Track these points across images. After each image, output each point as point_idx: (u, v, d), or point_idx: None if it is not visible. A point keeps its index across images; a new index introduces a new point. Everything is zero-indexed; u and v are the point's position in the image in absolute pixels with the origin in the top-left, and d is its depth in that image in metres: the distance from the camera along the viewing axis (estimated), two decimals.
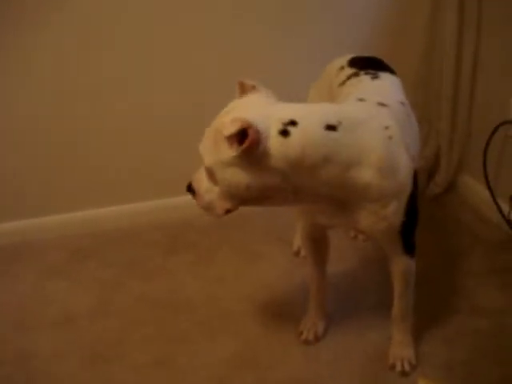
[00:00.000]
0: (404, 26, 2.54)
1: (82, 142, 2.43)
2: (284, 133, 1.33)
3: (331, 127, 1.37)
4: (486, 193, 2.37)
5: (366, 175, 1.42)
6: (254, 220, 2.44)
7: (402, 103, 1.64)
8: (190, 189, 1.50)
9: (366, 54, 1.89)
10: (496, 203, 2.32)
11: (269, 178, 1.36)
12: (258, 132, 1.30)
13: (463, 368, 1.71)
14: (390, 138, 1.45)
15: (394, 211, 1.49)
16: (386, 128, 1.46)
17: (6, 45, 2.21)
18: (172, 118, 2.44)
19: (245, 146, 1.29)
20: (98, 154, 2.46)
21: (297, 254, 2.27)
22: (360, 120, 1.44)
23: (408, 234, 1.58)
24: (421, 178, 2.60)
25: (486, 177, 2.35)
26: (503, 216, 2.29)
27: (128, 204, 2.57)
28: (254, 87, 1.45)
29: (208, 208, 1.47)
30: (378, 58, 1.88)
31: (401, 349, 1.75)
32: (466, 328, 1.86)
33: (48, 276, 2.26)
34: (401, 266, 1.65)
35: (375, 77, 1.73)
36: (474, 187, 2.56)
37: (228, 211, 1.46)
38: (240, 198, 1.41)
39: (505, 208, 2.29)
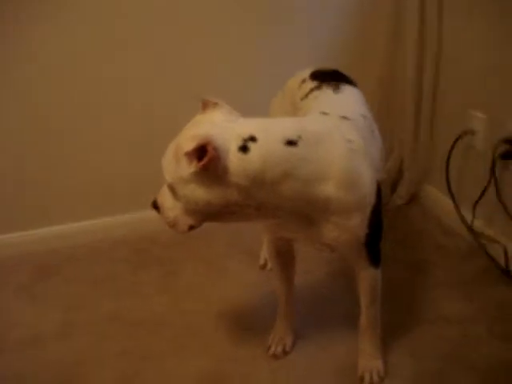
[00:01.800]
0: (365, 37, 2.57)
1: (42, 154, 2.38)
2: (243, 149, 1.34)
3: (291, 142, 1.37)
4: (450, 203, 2.40)
5: (327, 189, 1.41)
6: (220, 233, 2.42)
7: (365, 116, 1.65)
8: (156, 205, 1.49)
9: (327, 67, 1.90)
10: (459, 213, 2.35)
11: (229, 195, 1.36)
12: (216, 148, 1.30)
13: (432, 378, 1.72)
14: (353, 151, 1.45)
15: (357, 224, 1.48)
16: (349, 141, 1.45)
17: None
18: (139, 130, 2.43)
19: (203, 162, 1.29)
20: (61, 168, 2.42)
21: (263, 267, 2.26)
22: (322, 134, 1.44)
23: (373, 246, 1.58)
24: (384, 189, 2.62)
25: (449, 187, 2.37)
26: (466, 226, 2.32)
27: (92, 220, 2.53)
28: (216, 104, 1.44)
29: (173, 224, 1.47)
30: (340, 71, 1.89)
31: (369, 360, 1.75)
32: (433, 338, 1.87)
33: (11, 295, 2.20)
34: (367, 277, 1.65)
35: (337, 90, 1.73)
36: (437, 198, 2.59)
37: (191, 227, 1.45)
38: (202, 214, 1.41)
39: (468, 218, 2.32)
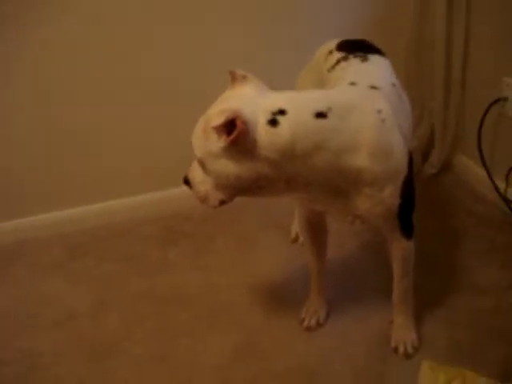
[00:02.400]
0: (393, 5, 2.52)
1: (71, 139, 2.39)
2: (273, 122, 1.33)
3: (321, 114, 1.36)
4: (482, 172, 2.36)
5: (359, 160, 1.40)
6: (250, 208, 2.42)
7: (394, 84, 1.63)
8: (187, 181, 1.50)
9: (354, 37, 1.87)
10: (492, 182, 2.31)
11: (259, 168, 1.35)
12: (245, 122, 1.29)
13: (467, 348, 1.71)
14: (383, 121, 1.43)
15: (390, 194, 1.47)
16: (379, 111, 1.44)
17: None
18: (163, 110, 2.42)
19: (232, 136, 1.29)
20: (90, 151, 2.44)
21: (295, 240, 2.26)
22: (351, 105, 1.43)
23: (406, 217, 1.57)
24: (415, 158, 2.59)
25: (482, 156, 2.34)
26: (500, 194, 2.29)
27: (122, 198, 2.54)
28: (244, 77, 1.43)
29: (204, 199, 1.47)
30: (367, 41, 1.86)
31: (403, 331, 1.75)
32: (468, 308, 1.86)
33: (46, 275, 2.24)
34: (400, 248, 1.64)
35: (365, 59, 1.70)
36: (469, 166, 2.55)
37: (222, 202, 1.45)
38: (233, 189, 1.41)
39: (501, 186, 2.28)
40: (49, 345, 1.90)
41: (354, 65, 1.69)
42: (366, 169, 1.41)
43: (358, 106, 1.43)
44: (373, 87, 1.52)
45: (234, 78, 1.45)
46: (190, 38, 2.34)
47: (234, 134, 1.29)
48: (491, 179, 2.32)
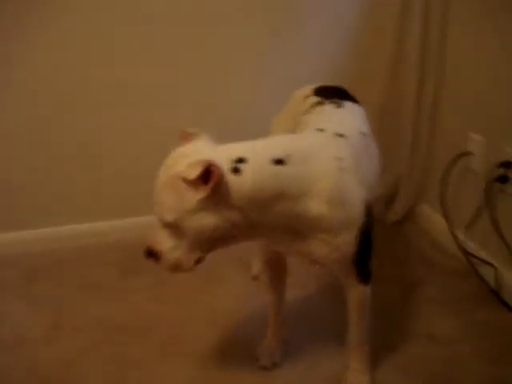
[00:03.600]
0: (369, 56, 2.58)
1: (40, 156, 2.39)
2: (236, 170, 1.36)
3: (279, 161, 1.39)
4: (444, 222, 2.41)
5: (315, 207, 1.42)
6: None
7: (363, 133, 1.66)
8: (151, 254, 1.45)
9: (330, 83, 1.91)
10: (452, 233, 2.36)
11: (233, 217, 1.37)
12: (220, 168, 1.32)
13: None
14: (342, 169, 1.46)
15: (345, 242, 1.49)
16: (339, 159, 1.47)
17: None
18: (137, 135, 2.44)
19: (212, 183, 1.30)
20: (56, 171, 2.43)
21: (256, 278, 2.26)
22: (311, 152, 1.45)
23: (362, 263, 1.58)
24: (378, 205, 2.64)
25: (444, 206, 2.39)
26: (459, 246, 2.33)
27: (85, 223, 2.53)
28: (195, 134, 1.45)
29: (176, 267, 1.45)
30: (344, 88, 1.90)
31: (357, 377, 1.75)
32: (422, 356, 1.87)
33: (1, 296, 2.19)
34: (356, 294, 1.65)
35: (339, 106, 1.74)
36: (431, 216, 2.60)
37: (198, 262, 1.46)
38: (208, 244, 1.42)
39: (461, 238, 2.33)
40: None
41: (328, 110, 1.73)
42: (321, 216, 1.43)
43: (318, 153, 1.46)
44: (339, 135, 1.54)
45: (184, 136, 1.46)
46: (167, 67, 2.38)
47: (213, 180, 1.30)
48: (452, 230, 2.37)
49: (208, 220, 1.36)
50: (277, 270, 1.82)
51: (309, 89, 1.87)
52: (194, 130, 1.46)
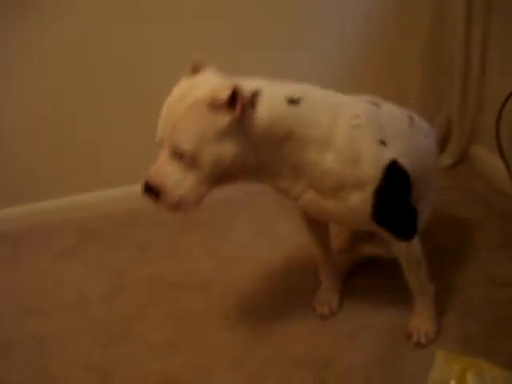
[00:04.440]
0: None
1: (82, 125, 2.40)
2: (252, 103, 1.33)
3: (292, 100, 1.38)
4: (500, 163, 2.32)
5: (329, 161, 1.41)
6: (263, 197, 2.42)
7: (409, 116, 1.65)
8: (151, 190, 1.37)
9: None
10: (510, 173, 2.28)
11: (246, 150, 1.34)
12: (243, 90, 1.29)
13: (481, 340, 1.69)
14: (357, 126, 1.44)
15: (358, 201, 1.46)
16: (356, 116, 1.44)
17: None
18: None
19: (240, 103, 1.28)
20: (102, 138, 2.44)
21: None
22: (329, 102, 1.45)
23: (394, 222, 1.54)
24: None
25: (500, 147, 2.30)
26: None
27: (135, 184, 2.53)
28: (206, 66, 1.41)
29: (178, 204, 1.37)
30: None
31: (420, 320, 1.73)
32: (482, 300, 1.84)
33: (57, 259, 2.25)
34: (397, 249, 1.62)
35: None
36: (487, 157, 2.52)
37: (200, 200, 1.39)
38: (218, 177, 1.37)
39: None
40: (60, 328, 1.90)
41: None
42: (332, 170, 1.41)
43: (337, 107, 1.44)
44: (373, 103, 1.55)
45: (195, 68, 1.40)
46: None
47: (241, 102, 1.27)
48: (509, 170, 2.29)
49: (228, 149, 1.31)
50: (315, 224, 1.77)
51: None
52: (205, 62, 1.41)
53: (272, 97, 1.36)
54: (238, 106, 1.27)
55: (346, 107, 1.46)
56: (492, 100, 2.39)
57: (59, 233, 2.40)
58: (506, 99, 2.24)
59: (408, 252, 1.62)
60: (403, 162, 1.50)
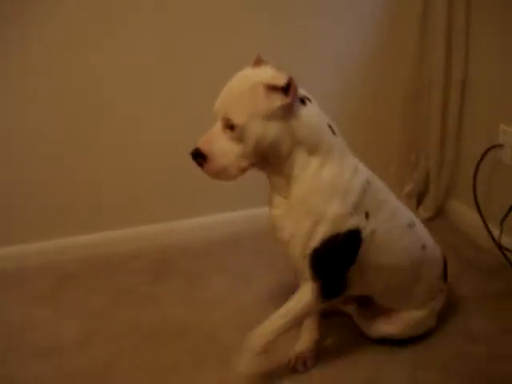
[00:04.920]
0: (394, 50, 2.56)
1: (67, 161, 2.39)
2: (302, 101, 1.51)
3: (332, 130, 1.57)
4: (477, 217, 2.36)
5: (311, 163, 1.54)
6: (244, 245, 2.44)
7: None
8: (199, 155, 1.50)
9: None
10: (487, 228, 2.31)
11: (286, 135, 1.50)
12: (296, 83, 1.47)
13: None
14: (349, 180, 1.58)
15: (308, 230, 1.55)
16: (356, 169, 1.60)
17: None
18: (166, 143, 2.44)
19: (293, 91, 1.45)
20: (85, 178, 2.42)
21: None
22: (347, 152, 1.63)
23: (321, 270, 1.59)
24: (410, 202, 2.61)
25: (476, 201, 2.34)
26: (494, 241, 2.28)
27: (114, 230, 2.53)
28: (267, 62, 1.56)
29: (220, 172, 1.51)
30: None
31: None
32: (460, 353, 1.84)
33: (32, 304, 2.20)
34: (301, 289, 1.64)
35: None
36: (464, 212, 2.56)
37: (242, 171, 1.53)
38: (259, 154, 1.50)
39: (496, 233, 2.28)
40: (33, 374, 1.85)
41: None
42: (309, 191, 1.56)
43: (349, 156, 1.61)
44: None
45: (258, 60, 1.56)
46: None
47: (293, 90, 1.45)
48: (486, 225, 2.32)
49: (273, 129, 1.47)
50: None
51: None
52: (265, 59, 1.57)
53: (319, 112, 1.55)
54: (291, 93, 1.44)
55: (361, 168, 1.62)
56: (469, 155, 2.44)
57: (34, 277, 2.36)
58: (483, 155, 2.29)
59: (301, 295, 1.63)
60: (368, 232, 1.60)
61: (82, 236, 2.50)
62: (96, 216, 2.49)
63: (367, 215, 1.60)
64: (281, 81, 1.44)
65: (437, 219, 2.66)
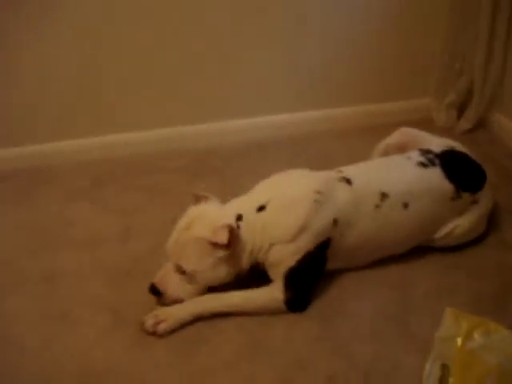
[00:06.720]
0: None
1: (100, 66, 2.39)
2: (238, 227, 1.66)
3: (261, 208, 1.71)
4: None
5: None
6: (274, 149, 2.46)
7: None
8: (155, 291, 1.68)
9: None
10: None
11: (236, 264, 1.68)
12: (236, 229, 1.64)
13: (490, 299, 1.71)
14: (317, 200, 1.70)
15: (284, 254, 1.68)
16: (318, 192, 1.70)
17: None
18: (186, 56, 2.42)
19: (234, 243, 1.62)
20: (120, 80, 2.42)
21: None
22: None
23: (295, 284, 1.69)
24: (450, 113, 2.56)
25: None
26: None
27: (152, 130, 2.55)
28: (206, 197, 1.75)
29: (176, 301, 1.68)
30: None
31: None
32: (493, 261, 1.85)
33: (70, 199, 2.25)
34: (270, 286, 1.71)
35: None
36: (505, 124, 2.51)
37: (191, 298, 1.69)
38: (208, 286, 1.69)
39: None
40: (72, 266, 1.91)
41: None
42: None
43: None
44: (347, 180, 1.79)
45: (197, 198, 1.75)
46: None
47: (234, 242, 1.62)
48: None
49: (222, 271, 1.66)
50: None
51: None
52: (205, 193, 1.76)
53: (247, 215, 1.70)
54: (232, 244, 1.62)
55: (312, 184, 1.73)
56: None
57: (73, 173, 2.40)
58: None
59: (272, 304, 1.70)
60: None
61: (116, 135, 2.52)
62: (129, 116, 2.50)
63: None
64: (222, 238, 1.59)
65: (478, 131, 2.61)
